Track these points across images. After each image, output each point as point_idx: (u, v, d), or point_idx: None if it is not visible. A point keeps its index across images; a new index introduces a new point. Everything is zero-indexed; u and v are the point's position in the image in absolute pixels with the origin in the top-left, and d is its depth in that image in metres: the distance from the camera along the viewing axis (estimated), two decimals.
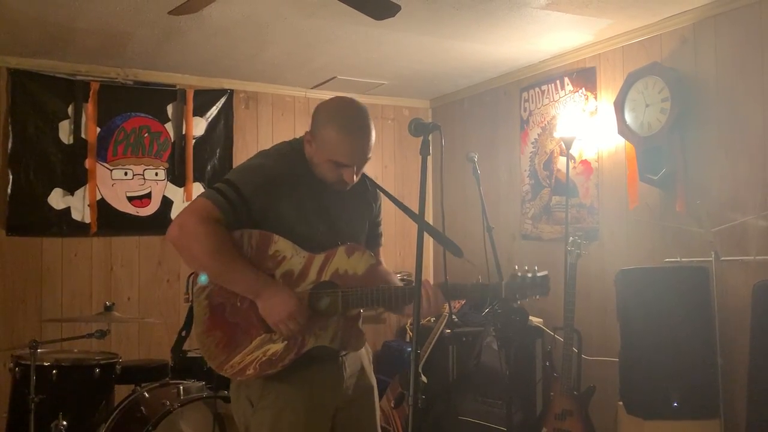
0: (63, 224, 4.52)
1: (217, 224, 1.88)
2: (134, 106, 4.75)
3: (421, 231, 1.78)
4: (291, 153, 2.06)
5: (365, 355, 2.20)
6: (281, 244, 1.96)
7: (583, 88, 4.28)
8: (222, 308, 1.96)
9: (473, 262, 2.60)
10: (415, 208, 1.85)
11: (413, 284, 1.82)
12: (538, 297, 2.06)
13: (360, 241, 2.13)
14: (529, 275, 2.04)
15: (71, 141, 4.56)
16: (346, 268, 1.98)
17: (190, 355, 3.79)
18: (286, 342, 1.94)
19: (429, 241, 5.33)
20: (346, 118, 1.98)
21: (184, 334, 2.02)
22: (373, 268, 2.01)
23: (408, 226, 5.35)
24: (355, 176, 2.00)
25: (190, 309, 1.98)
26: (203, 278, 1.94)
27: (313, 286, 1.97)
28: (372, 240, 2.23)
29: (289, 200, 1.98)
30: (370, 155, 2.01)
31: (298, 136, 2.11)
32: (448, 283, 1.98)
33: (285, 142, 2.13)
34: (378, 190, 2.22)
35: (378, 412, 2.20)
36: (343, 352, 2.08)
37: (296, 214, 1.99)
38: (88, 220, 4.58)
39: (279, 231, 1.96)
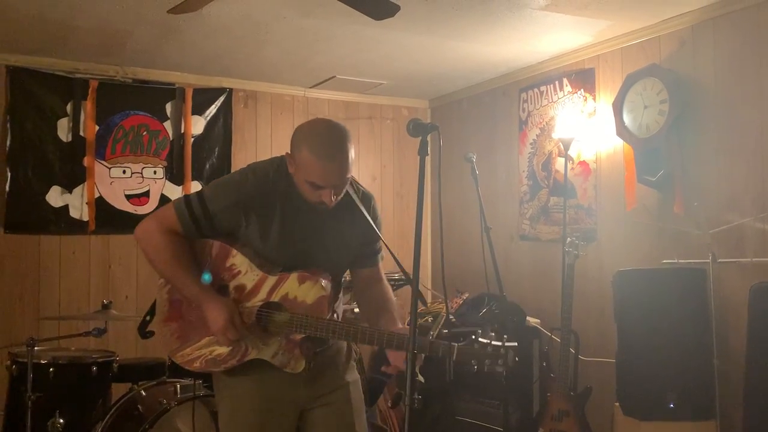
0: (61, 222, 4.51)
1: (177, 235, 2.06)
2: (133, 104, 4.75)
3: (419, 230, 1.77)
4: (277, 171, 2.09)
5: (342, 353, 2.24)
6: (238, 259, 2.08)
7: (582, 90, 4.28)
8: (179, 304, 2.13)
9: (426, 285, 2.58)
10: (414, 209, 1.84)
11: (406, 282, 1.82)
12: (501, 370, 1.91)
13: (339, 263, 2.18)
14: (493, 343, 1.92)
15: (70, 139, 4.55)
16: (295, 294, 2.05)
17: None
18: (231, 348, 2.06)
19: (426, 243, 5.33)
20: (319, 142, 1.98)
21: (148, 318, 2.19)
22: (323, 299, 2.04)
23: (406, 226, 5.33)
24: (333, 197, 2.02)
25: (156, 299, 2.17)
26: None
27: (262, 304, 2.07)
28: (366, 258, 2.27)
29: (257, 221, 2.05)
30: (348, 176, 2.02)
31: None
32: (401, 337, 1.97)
33: (276, 158, 2.15)
34: (372, 211, 2.21)
35: (356, 409, 2.21)
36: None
37: (262, 235, 2.06)
38: (86, 218, 4.57)
39: (242, 247, 2.08)
